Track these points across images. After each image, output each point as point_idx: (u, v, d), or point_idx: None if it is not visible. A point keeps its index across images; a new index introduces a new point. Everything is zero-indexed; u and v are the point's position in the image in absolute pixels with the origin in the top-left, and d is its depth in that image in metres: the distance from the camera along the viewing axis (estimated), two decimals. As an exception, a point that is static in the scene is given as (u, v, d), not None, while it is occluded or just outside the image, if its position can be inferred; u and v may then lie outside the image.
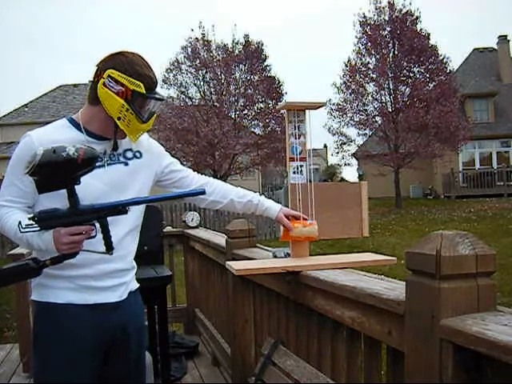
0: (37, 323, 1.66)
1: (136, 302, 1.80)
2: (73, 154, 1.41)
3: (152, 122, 1.66)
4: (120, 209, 1.51)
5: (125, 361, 1.74)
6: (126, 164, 1.69)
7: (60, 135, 1.59)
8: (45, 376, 1.64)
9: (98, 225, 1.51)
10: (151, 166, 1.78)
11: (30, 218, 1.45)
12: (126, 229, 1.67)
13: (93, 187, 1.57)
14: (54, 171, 1.41)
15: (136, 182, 1.70)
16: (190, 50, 20.02)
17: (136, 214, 1.70)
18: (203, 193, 1.62)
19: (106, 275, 1.65)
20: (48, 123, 1.71)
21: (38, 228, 1.45)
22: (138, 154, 1.73)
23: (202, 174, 1.95)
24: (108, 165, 1.64)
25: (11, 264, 1.50)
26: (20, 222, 1.45)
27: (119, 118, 1.57)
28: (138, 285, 1.82)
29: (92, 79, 1.62)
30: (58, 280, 1.61)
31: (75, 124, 1.64)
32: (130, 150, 1.72)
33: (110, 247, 1.54)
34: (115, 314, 1.68)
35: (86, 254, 1.52)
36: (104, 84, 1.56)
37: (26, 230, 1.46)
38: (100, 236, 1.51)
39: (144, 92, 1.57)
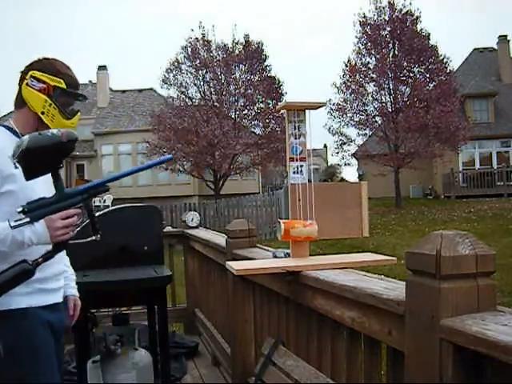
0: (3, 334, 1.59)
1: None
2: (57, 133, 1.46)
3: (77, 120, 1.75)
4: (101, 188, 1.54)
5: (60, 356, 1.83)
6: None
7: (4, 141, 1.63)
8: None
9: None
10: None
11: (19, 212, 1.43)
12: None
13: (35, 186, 1.55)
14: (43, 153, 1.43)
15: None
16: (189, 50, 20.02)
17: None
18: (171, 159, 1.67)
19: (55, 277, 1.73)
20: None
21: (28, 220, 1.44)
22: None
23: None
24: None
25: (5, 271, 1.45)
26: (8, 220, 1.43)
27: (43, 113, 1.68)
28: None
29: (18, 85, 1.72)
30: None
31: (12, 131, 1.71)
32: None
33: (96, 230, 1.55)
34: (60, 314, 1.78)
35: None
36: (27, 84, 1.69)
37: (17, 224, 1.43)
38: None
39: (65, 87, 1.70)
